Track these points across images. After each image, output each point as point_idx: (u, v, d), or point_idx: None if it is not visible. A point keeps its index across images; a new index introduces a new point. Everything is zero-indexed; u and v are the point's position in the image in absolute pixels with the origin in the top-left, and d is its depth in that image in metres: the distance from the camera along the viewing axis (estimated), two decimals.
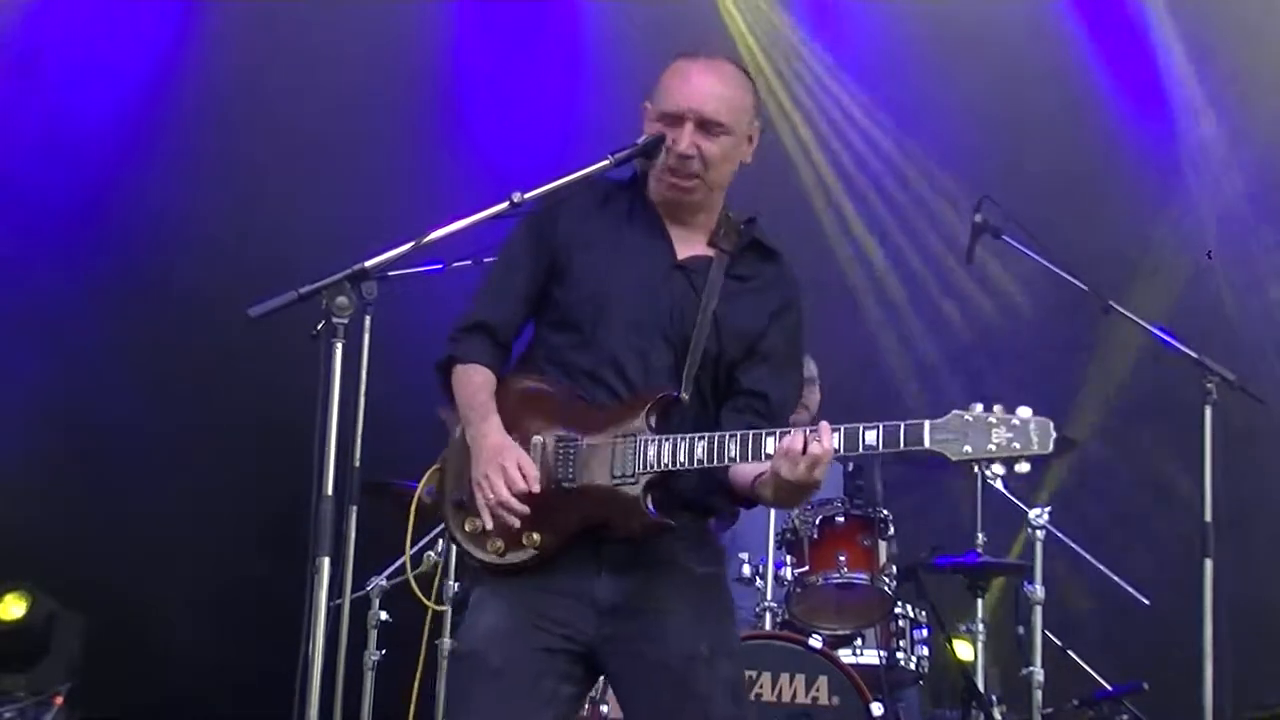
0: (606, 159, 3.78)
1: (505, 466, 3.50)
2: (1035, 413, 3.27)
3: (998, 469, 3.26)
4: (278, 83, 7.77)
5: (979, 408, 3.27)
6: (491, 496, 3.49)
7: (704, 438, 3.45)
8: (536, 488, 3.47)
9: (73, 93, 7.83)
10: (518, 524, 3.49)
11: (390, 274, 3.68)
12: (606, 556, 3.54)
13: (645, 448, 3.48)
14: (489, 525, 3.52)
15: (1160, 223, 7.79)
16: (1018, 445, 3.24)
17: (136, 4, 7.86)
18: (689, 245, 3.70)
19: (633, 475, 3.48)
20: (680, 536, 3.56)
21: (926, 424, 3.30)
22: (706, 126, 3.61)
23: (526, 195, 3.71)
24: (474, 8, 8.02)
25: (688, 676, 3.54)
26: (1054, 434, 3.23)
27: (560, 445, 3.55)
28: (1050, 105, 7.82)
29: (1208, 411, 5.42)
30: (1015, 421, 3.25)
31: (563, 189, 3.69)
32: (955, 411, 3.28)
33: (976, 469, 6.13)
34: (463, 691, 3.64)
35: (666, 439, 3.48)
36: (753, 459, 3.41)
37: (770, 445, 3.38)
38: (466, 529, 3.59)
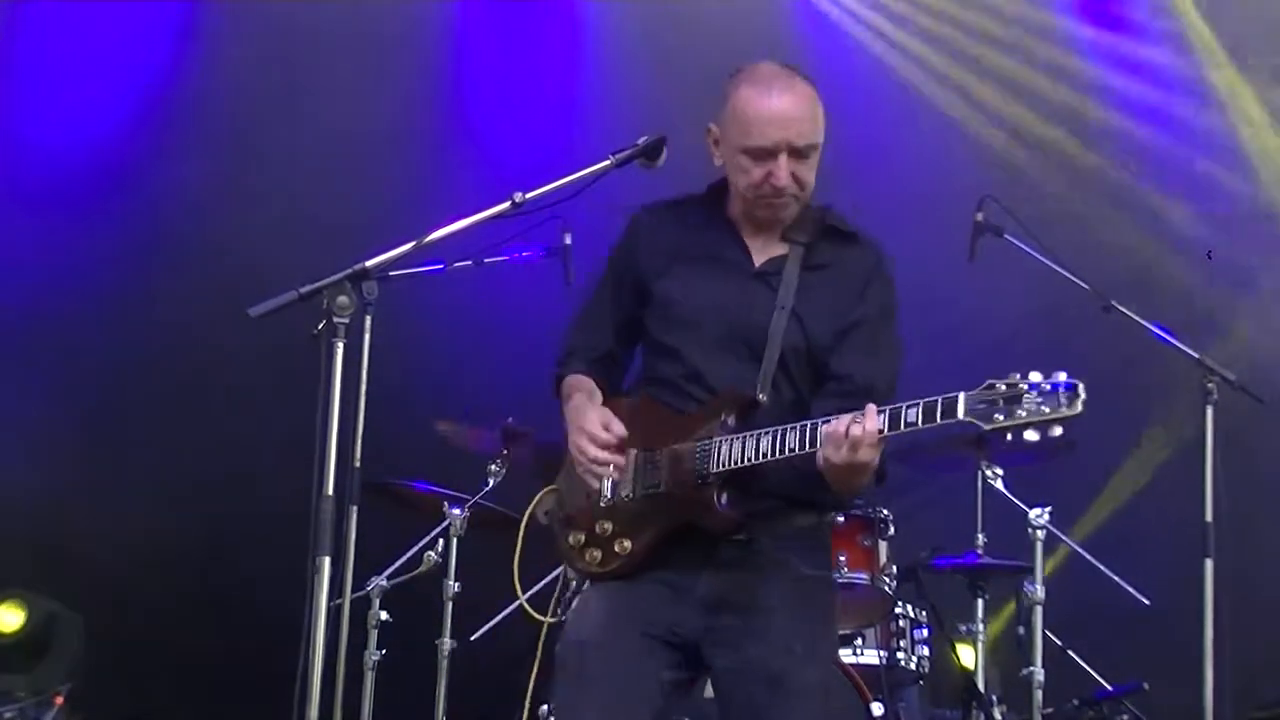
0: (608, 159, 3.79)
1: (586, 428, 3.71)
2: (1083, 394, 3.25)
3: (1031, 435, 3.27)
4: (278, 83, 7.76)
5: (1015, 376, 3.30)
6: (584, 460, 3.71)
7: (769, 432, 3.55)
8: (622, 433, 3.67)
9: (73, 93, 7.82)
10: (613, 479, 3.69)
11: (391, 274, 3.68)
12: (716, 555, 3.65)
13: (718, 448, 3.60)
14: (606, 493, 3.71)
15: (1161, 222, 7.78)
16: (1047, 409, 3.25)
17: (138, 4, 7.85)
18: (766, 249, 3.78)
19: (707, 476, 3.60)
20: (789, 537, 3.68)
21: (960, 395, 3.34)
22: (800, 153, 3.68)
23: (528, 195, 3.73)
24: (476, 7, 8.01)
25: (781, 675, 3.62)
26: (1083, 395, 3.23)
27: (645, 455, 3.71)
28: (1051, 105, 7.82)
29: (1208, 411, 5.42)
30: (1046, 386, 3.26)
31: (566, 189, 3.71)
32: (989, 380, 3.33)
33: (983, 472, 6.20)
34: (568, 682, 3.76)
35: (737, 438, 3.58)
36: (811, 446, 3.49)
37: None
38: (570, 543, 3.80)
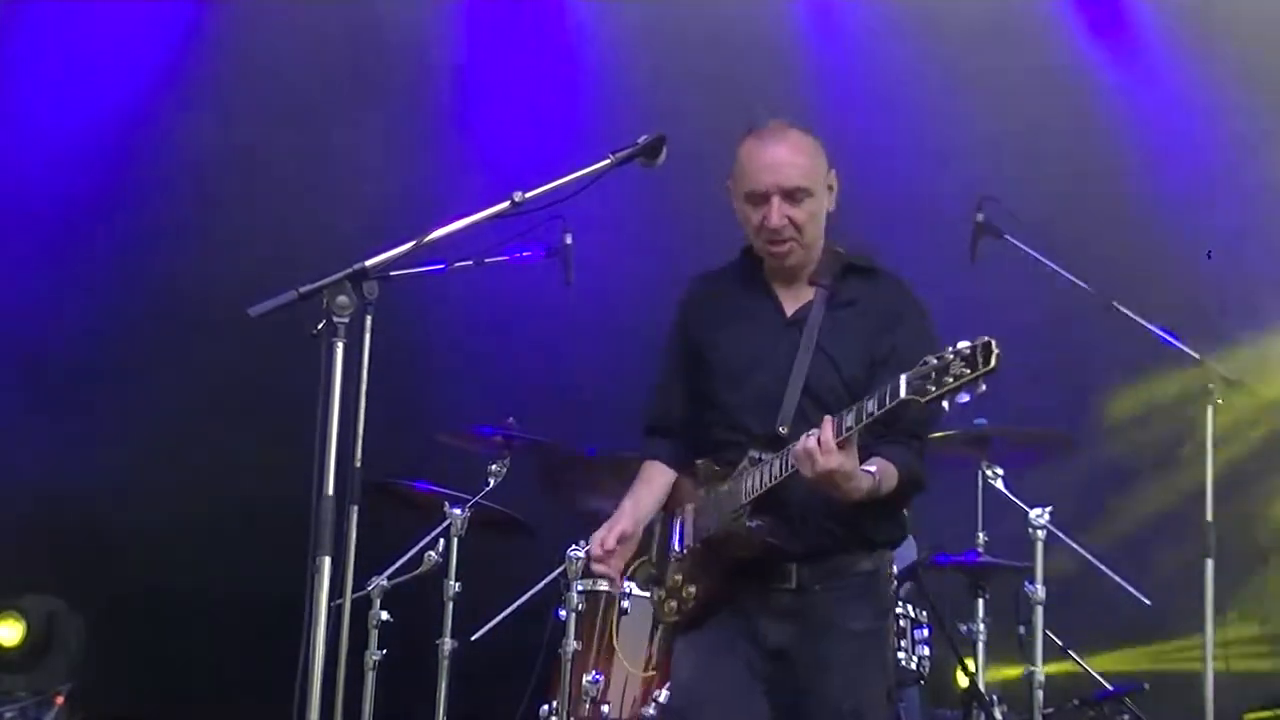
0: (608, 158, 3.81)
1: (596, 534, 4.06)
2: (997, 357, 3.48)
3: (963, 397, 3.53)
4: (278, 82, 7.76)
5: (947, 349, 3.55)
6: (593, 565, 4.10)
7: (781, 455, 3.80)
8: (611, 544, 4.02)
9: (73, 92, 7.82)
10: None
11: (391, 274, 3.69)
12: (772, 604, 3.92)
13: (746, 480, 3.88)
14: (677, 547, 4.07)
15: (1161, 222, 7.78)
16: (969, 371, 3.49)
17: (138, 5, 7.85)
18: (796, 298, 4.05)
19: (741, 507, 3.87)
20: (843, 587, 3.92)
21: (903, 377, 3.59)
22: (791, 196, 3.93)
23: (527, 195, 3.74)
24: (476, 7, 8.01)
25: None
26: (996, 350, 3.48)
27: (697, 507, 4.03)
28: (1051, 104, 7.81)
29: (1208, 411, 5.42)
30: (966, 350, 3.51)
31: (566, 188, 3.73)
32: (924, 358, 3.58)
33: (983, 472, 6.19)
34: None
35: (759, 467, 3.84)
36: None
37: None
38: (656, 599, 4.15)
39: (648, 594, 4.40)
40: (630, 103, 7.61)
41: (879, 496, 3.81)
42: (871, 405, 3.63)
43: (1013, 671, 6.29)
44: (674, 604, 4.04)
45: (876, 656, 4.02)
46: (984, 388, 3.50)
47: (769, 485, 3.81)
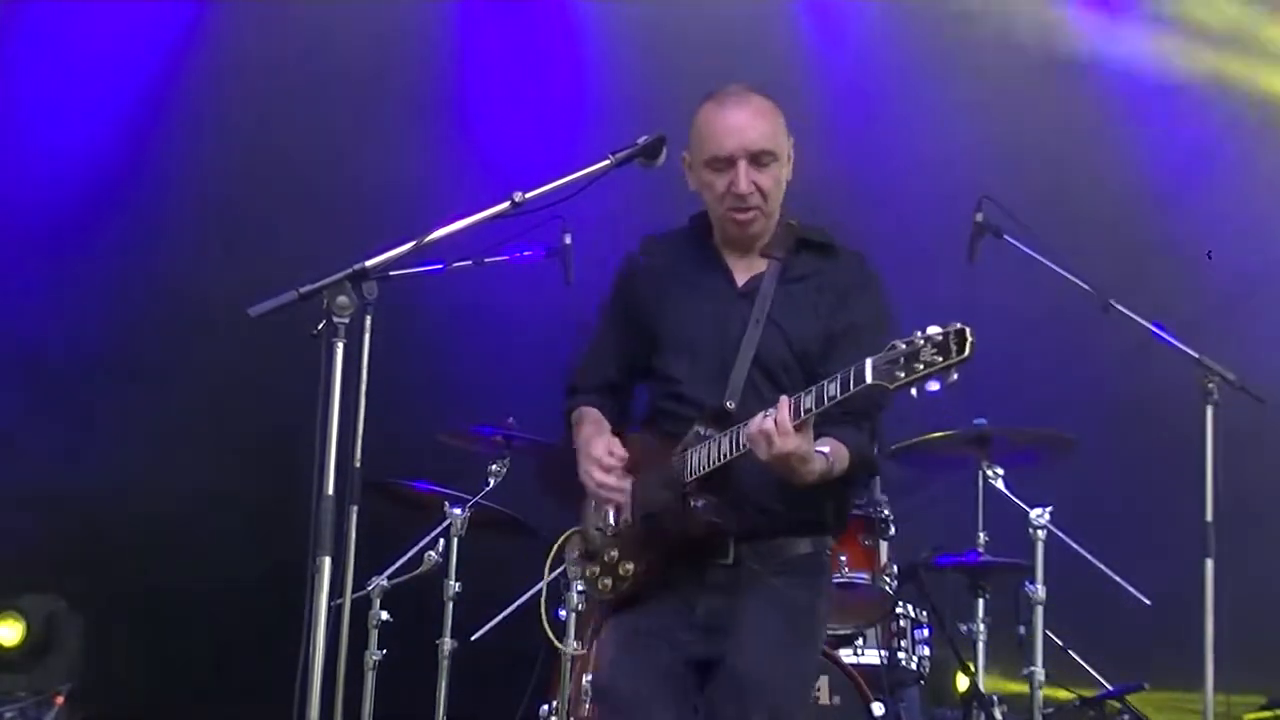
0: (607, 159, 3.81)
1: (593, 454, 3.85)
2: (971, 338, 3.32)
3: (933, 386, 3.37)
4: (278, 82, 7.76)
5: (916, 333, 3.37)
6: (593, 485, 3.86)
7: (730, 432, 3.66)
8: (624, 455, 3.82)
9: (72, 92, 7.82)
10: (617, 504, 3.85)
11: (391, 274, 3.69)
12: (708, 579, 3.79)
13: (691, 457, 3.74)
14: (611, 521, 3.88)
15: (1160, 222, 7.78)
16: (941, 359, 3.32)
17: (138, 5, 7.85)
18: (748, 269, 3.92)
19: (686, 485, 3.74)
20: (774, 559, 3.80)
21: (868, 361, 3.43)
22: (757, 160, 3.81)
23: (527, 195, 3.74)
24: (476, 7, 8.00)
25: (759, 696, 3.73)
26: (971, 338, 3.31)
27: (639, 482, 3.85)
28: (1050, 104, 7.81)
29: (1208, 411, 5.42)
30: (938, 336, 3.34)
31: (566, 188, 3.73)
32: (892, 342, 3.41)
33: (983, 472, 6.20)
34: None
35: (706, 444, 3.71)
36: None
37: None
38: (587, 575, 3.98)
39: (576, 568, 4.19)
40: (630, 103, 7.61)
41: (831, 478, 3.68)
42: (834, 388, 3.48)
43: (1016, 687, 6.30)
44: (609, 581, 3.89)
45: (809, 633, 3.88)
46: (956, 377, 3.35)
47: (717, 464, 3.68)
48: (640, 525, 3.84)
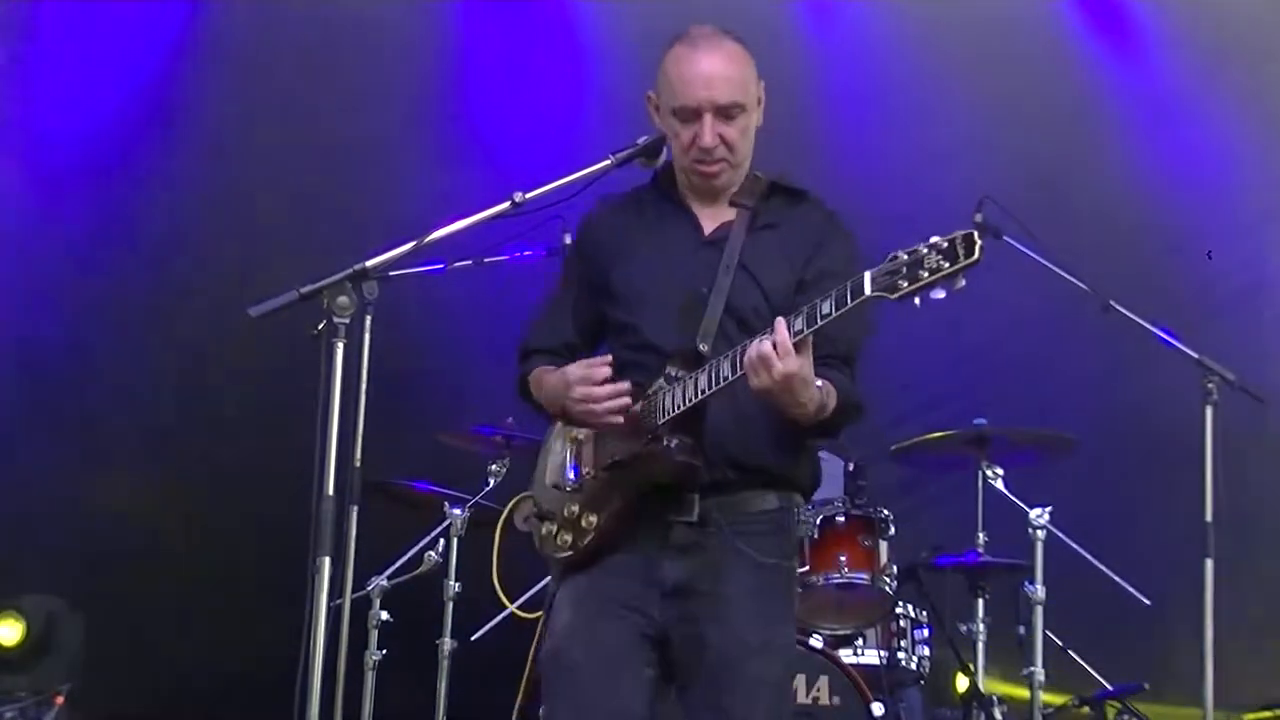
0: (608, 159, 3.81)
1: (582, 375, 3.64)
2: (980, 248, 3.23)
3: (938, 294, 3.25)
4: (278, 83, 7.76)
5: (919, 243, 3.27)
6: (595, 407, 3.63)
7: (704, 370, 3.53)
8: (607, 371, 3.62)
9: (72, 92, 7.82)
10: (616, 416, 3.61)
11: (391, 274, 3.69)
12: (673, 538, 3.63)
13: (663, 399, 3.58)
14: (571, 476, 3.70)
15: (1160, 222, 7.78)
16: (947, 264, 3.23)
17: (139, 5, 7.85)
18: (715, 217, 3.78)
19: (657, 427, 3.57)
20: (748, 522, 3.65)
21: (866, 273, 3.32)
22: (725, 112, 3.69)
23: (528, 195, 3.74)
24: (476, 7, 8.01)
25: (737, 665, 3.60)
26: (979, 241, 3.21)
27: (601, 435, 3.69)
28: (1051, 104, 7.81)
29: (1208, 411, 5.42)
30: (943, 243, 3.24)
31: (566, 188, 3.72)
32: (893, 253, 3.30)
33: (983, 472, 6.20)
34: (551, 688, 3.75)
35: (678, 384, 3.56)
36: (742, 370, 3.46)
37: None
38: (544, 534, 3.77)
39: (527, 529, 3.96)
40: (630, 103, 7.60)
41: (823, 417, 3.54)
42: (827, 306, 3.33)
43: (1016, 691, 6.30)
44: (569, 537, 3.69)
45: (784, 592, 3.72)
46: (963, 283, 3.22)
47: (694, 401, 3.51)
48: (605, 475, 3.67)
